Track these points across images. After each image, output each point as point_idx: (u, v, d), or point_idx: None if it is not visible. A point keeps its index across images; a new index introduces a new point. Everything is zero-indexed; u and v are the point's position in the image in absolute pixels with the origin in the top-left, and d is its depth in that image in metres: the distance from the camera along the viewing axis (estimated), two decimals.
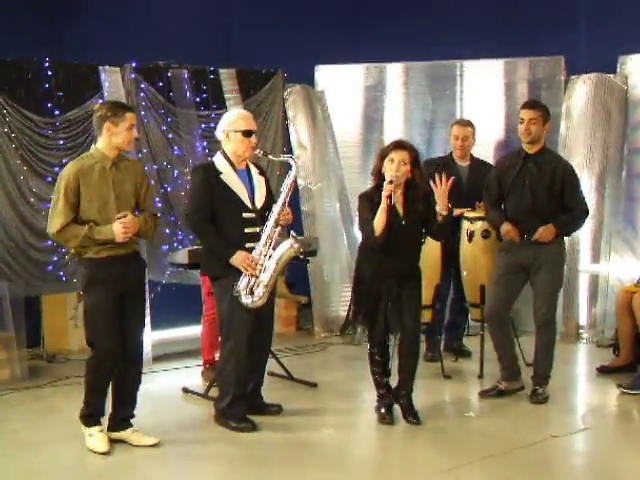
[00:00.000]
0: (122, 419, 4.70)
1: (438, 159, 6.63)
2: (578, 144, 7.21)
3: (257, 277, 4.84)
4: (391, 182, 4.75)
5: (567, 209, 5.39)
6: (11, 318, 6.00)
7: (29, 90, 6.21)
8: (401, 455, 4.60)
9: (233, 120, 5.01)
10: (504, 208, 5.51)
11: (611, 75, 7.26)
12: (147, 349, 6.00)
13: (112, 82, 6.53)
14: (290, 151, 7.61)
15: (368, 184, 7.76)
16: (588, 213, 5.61)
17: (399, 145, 4.90)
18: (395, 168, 4.79)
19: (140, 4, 7.48)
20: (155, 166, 6.69)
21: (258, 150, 5.08)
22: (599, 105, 7.19)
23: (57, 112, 6.29)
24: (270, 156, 5.37)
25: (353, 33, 8.06)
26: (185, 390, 5.73)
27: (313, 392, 5.73)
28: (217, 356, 5.48)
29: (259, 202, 4.98)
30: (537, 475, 4.31)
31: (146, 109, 6.71)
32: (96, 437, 4.58)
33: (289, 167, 5.04)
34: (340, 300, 7.60)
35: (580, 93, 7.26)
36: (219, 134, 5.04)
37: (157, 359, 6.44)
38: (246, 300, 4.83)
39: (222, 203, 4.89)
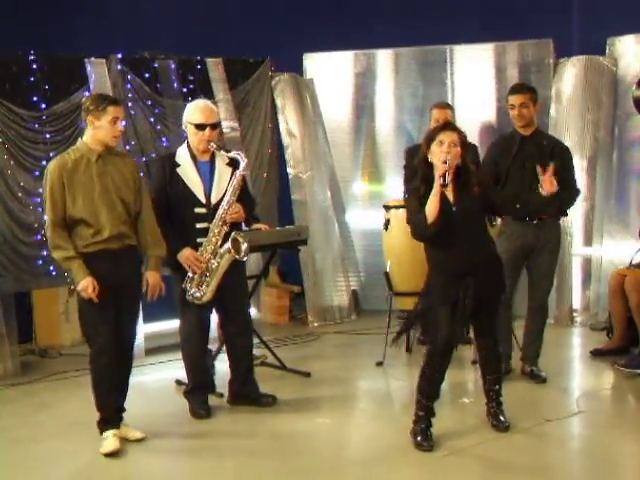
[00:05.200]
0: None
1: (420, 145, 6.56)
2: (568, 127, 7.18)
3: (203, 276, 4.89)
4: (445, 162, 4.34)
5: (561, 188, 5.37)
6: (1, 313, 5.96)
7: (14, 84, 6.14)
8: (395, 443, 4.56)
9: (189, 111, 5.00)
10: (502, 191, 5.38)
11: (600, 57, 7.22)
12: (139, 342, 6.00)
13: (98, 74, 6.46)
14: (279, 140, 7.59)
15: (358, 171, 7.90)
16: (579, 193, 5.66)
17: (448, 126, 4.55)
18: (446, 149, 4.37)
19: None
20: (143, 158, 6.63)
21: (212, 144, 4.98)
22: (589, 87, 7.16)
23: (43, 105, 6.23)
24: (222, 151, 5.14)
25: (341, 20, 8.00)
26: (178, 382, 5.70)
27: (307, 382, 5.71)
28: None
29: (215, 197, 4.94)
30: (532, 460, 4.29)
31: (133, 101, 6.66)
32: (108, 440, 4.51)
33: (237, 164, 4.96)
34: (333, 288, 7.59)
35: (569, 76, 7.23)
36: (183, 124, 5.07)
37: (150, 352, 6.42)
38: (192, 295, 4.92)
39: (175, 196, 4.92)
